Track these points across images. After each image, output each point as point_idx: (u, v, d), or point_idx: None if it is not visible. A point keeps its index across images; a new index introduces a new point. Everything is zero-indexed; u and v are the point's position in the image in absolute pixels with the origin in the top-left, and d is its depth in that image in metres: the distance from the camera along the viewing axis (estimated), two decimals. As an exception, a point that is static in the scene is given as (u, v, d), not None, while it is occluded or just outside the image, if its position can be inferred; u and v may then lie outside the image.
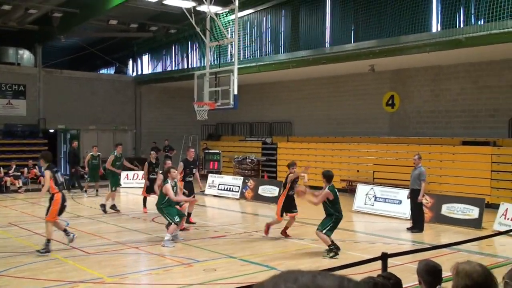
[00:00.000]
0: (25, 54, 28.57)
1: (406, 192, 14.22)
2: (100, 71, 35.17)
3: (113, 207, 16.23)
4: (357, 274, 7.11)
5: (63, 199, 10.58)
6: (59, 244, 11.42)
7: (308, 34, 22.14)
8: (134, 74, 32.41)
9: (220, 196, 20.13)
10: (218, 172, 22.74)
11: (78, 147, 23.90)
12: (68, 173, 24.49)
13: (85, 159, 20.73)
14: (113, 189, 16.38)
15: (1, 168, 22.19)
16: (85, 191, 20.67)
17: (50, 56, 29.61)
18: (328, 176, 10.78)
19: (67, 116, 27.83)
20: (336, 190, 10.90)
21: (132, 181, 23.33)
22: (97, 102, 28.95)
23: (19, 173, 22.30)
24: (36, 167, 22.87)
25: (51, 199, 10.49)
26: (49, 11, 24.48)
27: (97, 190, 20.36)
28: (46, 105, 27.40)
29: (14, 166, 22.51)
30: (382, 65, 20.03)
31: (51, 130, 27.71)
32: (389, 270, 6.09)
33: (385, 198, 15.75)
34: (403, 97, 21.36)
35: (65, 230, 10.92)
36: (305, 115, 25.61)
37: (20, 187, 21.50)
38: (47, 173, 10.42)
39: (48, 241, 10.42)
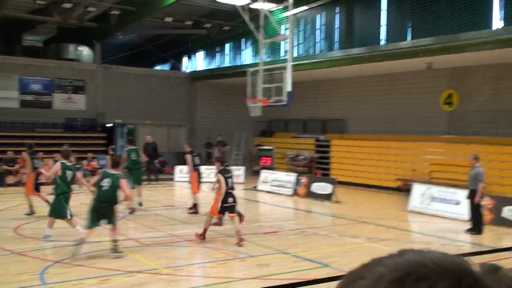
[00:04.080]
0: (85, 51, 29.46)
1: (464, 192, 13.81)
2: (156, 68, 35.87)
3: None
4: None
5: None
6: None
7: (363, 31, 21.84)
8: (189, 70, 32.86)
9: (273, 193, 20.16)
10: (271, 168, 22.79)
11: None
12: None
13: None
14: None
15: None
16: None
17: (108, 53, 30.44)
18: None
19: (124, 111, 28.52)
20: None
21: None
22: (152, 98, 29.53)
23: (79, 166, 23.02)
24: (95, 159, 23.57)
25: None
26: (107, 8, 25.18)
27: None
28: (104, 100, 28.18)
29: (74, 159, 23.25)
30: (440, 63, 19.50)
31: (109, 124, 28.49)
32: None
33: (442, 198, 15.35)
34: (462, 96, 20.74)
35: None
36: (359, 112, 25.29)
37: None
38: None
39: None
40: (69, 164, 11.55)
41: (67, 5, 24.16)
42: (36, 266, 8.91)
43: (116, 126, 28.94)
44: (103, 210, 9.82)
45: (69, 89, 27.25)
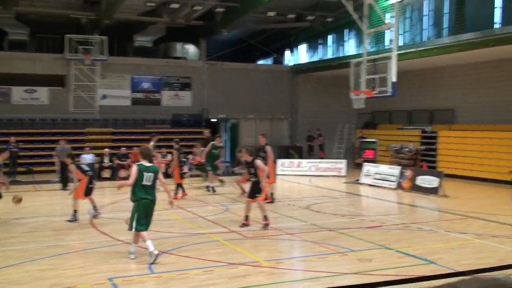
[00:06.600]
0: (191, 49, 30.55)
1: None
2: (259, 62, 36.35)
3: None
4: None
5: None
6: (219, 227, 12.07)
7: (475, 14, 20.66)
8: (291, 63, 32.94)
9: (376, 186, 19.70)
10: (373, 161, 22.27)
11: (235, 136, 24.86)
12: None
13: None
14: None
15: (170, 154, 23.99)
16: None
17: (213, 49, 31.33)
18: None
19: (227, 106, 29.25)
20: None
21: (289, 169, 23.79)
22: (255, 92, 30.00)
23: (185, 159, 23.88)
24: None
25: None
26: (212, 6, 25.92)
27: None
28: (209, 95, 29.06)
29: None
30: (562, 45, 17.98)
31: (213, 119, 29.33)
32: None
33: None
34: None
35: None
36: (469, 101, 23.97)
37: (185, 173, 23.02)
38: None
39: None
40: (148, 165, 9.31)
41: (175, 5, 25.22)
42: (145, 256, 9.36)
43: (220, 121, 29.73)
44: None
45: (176, 86, 28.44)
